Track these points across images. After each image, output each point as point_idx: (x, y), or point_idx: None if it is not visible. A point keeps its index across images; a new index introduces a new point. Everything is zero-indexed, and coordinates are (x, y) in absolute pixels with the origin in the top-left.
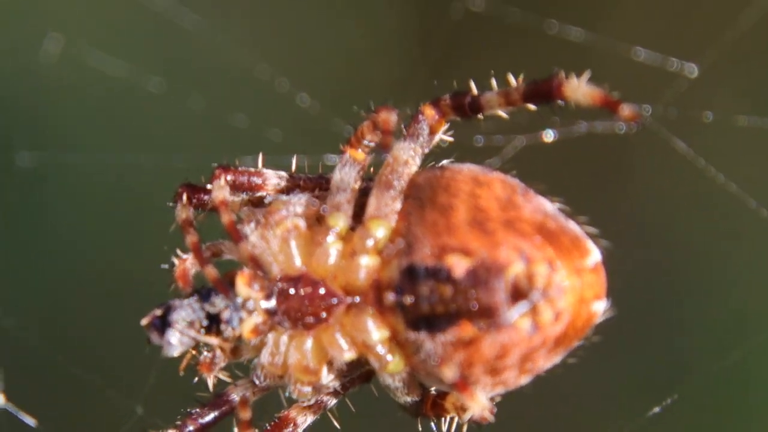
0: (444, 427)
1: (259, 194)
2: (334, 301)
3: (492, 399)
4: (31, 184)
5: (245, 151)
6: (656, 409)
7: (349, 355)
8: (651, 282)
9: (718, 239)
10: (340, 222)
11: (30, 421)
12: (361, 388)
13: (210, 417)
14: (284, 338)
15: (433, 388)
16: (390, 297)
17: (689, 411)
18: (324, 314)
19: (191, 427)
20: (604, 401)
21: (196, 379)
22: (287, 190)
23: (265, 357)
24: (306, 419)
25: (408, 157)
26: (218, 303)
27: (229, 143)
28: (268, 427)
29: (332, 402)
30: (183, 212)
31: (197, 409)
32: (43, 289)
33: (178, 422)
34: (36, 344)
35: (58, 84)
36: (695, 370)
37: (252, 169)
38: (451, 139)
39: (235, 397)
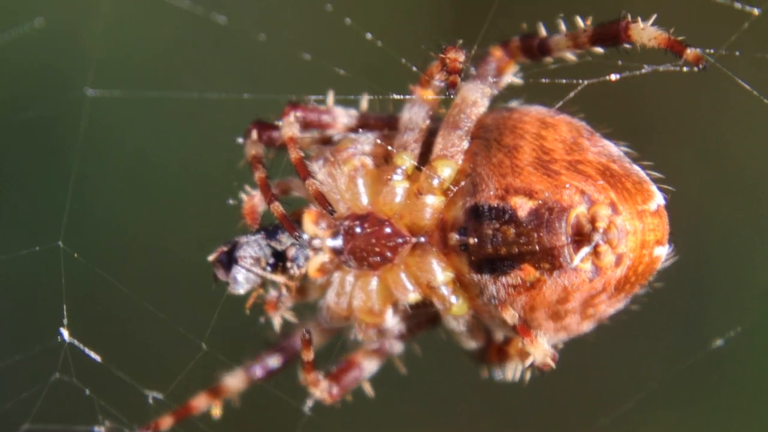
0: (510, 374)
1: (328, 132)
2: (400, 240)
3: (555, 346)
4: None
5: (315, 90)
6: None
7: (413, 296)
8: (717, 226)
9: None
10: (407, 161)
11: (95, 357)
12: (427, 332)
13: (276, 360)
14: (350, 278)
15: (498, 335)
16: (454, 237)
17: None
18: (389, 254)
19: (259, 371)
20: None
21: (262, 318)
22: (356, 129)
23: (330, 297)
24: (371, 364)
25: (476, 97)
26: (285, 240)
27: (298, 81)
28: (334, 370)
29: (398, 347)
30: (252, 148)
31: (263, 351)
32: (108, 219)
33: (247, 363)
34: (98, 277)
35: (120, 20)
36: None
37: (322, 107)
38: (519, 80)
39: (300, 337)
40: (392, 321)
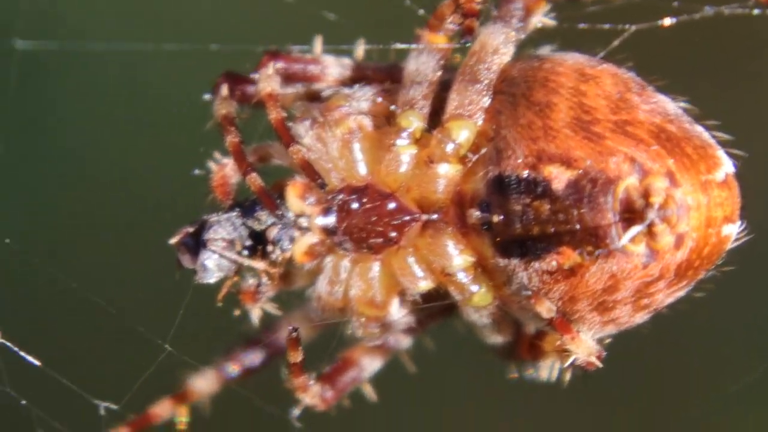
0: (545, 374)
1: (316, 86)
2: (407, 217)
3: (600, 341)
4: (34, 76)
5: (299, 36)
6: None
7: (424, 284)
8: None
9: None
10: (414, 121)
11: (33, 361)
12: (441, 325)
13: (255, 357)
14: (345, 263)
15: (530, 328)
16: (474, 214)
17: None
18: (394, 234)
19: (233, 369)
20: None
21: (238, 311)
22: (350, 82)
23: (322, 286)
24: (373, 362)
25: (498, 43)
26: (264, 218)
27: (278, 27)
28: (328, 370)
29: (405, 342)
30: (223, 107)
31: (239, 347)
32: (47, 204)
33: (217, 362)
34: (41, 270)
35: None
36: None
37: (308, 56)
38: (552, 22)
39: (285, 334)
40: (398, 313)
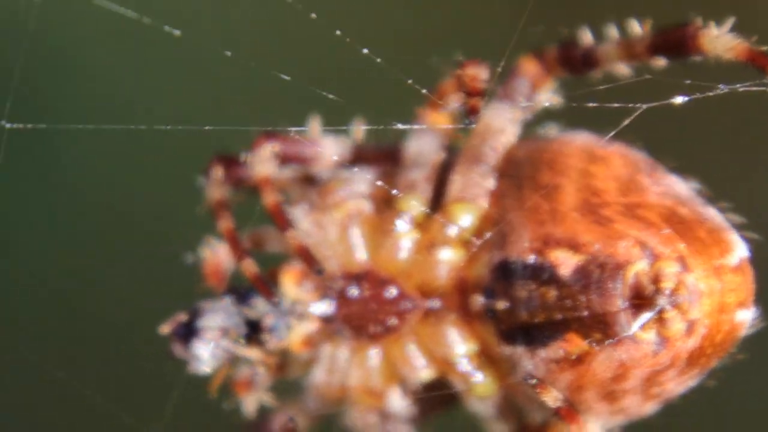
0: None
1: (312, 169)
2: (408, 305)
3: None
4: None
5: (294, 116)
6: None
7: (425, 373)
8: None
9: None
10: (415, 205)
11: None
12: (442, 415)
13: None
14: (343, 352)
15: (535, 418)
16: (478, 301)
17: None
18: (394, 322)
19: None
20: None
21: (230, 403)
22: (349, 164)
23: (318, 375)
24: None
25: (504, 123)
26: (260, 306)
27: (272, 105)
28: None
29: None
30: (216, 191)
31: None
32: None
33: None
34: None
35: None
36: None
37: (304, 137)
38: (559, 100)
39: (281, 425)
40: (398, 403)
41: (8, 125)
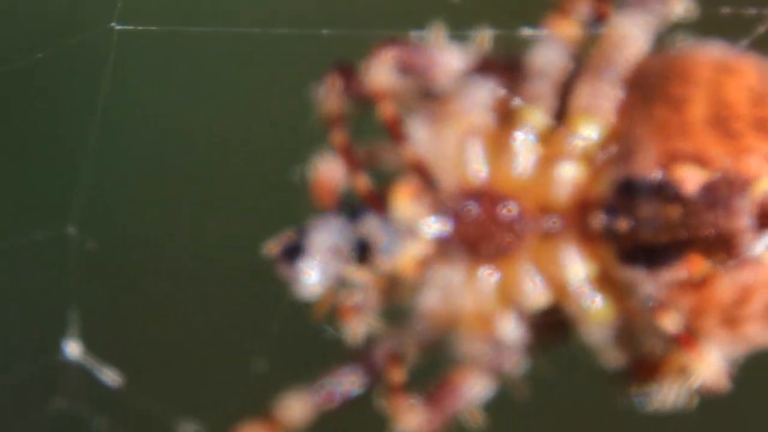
0: (666, 399)
1: (432, 78)
2: (527, 223)
3: (731, 360)
4: None
5: (414, 21)
6: None
7: (543, 297)
8: None
9: None
10: (538, 117)
11: (111, 380)
12: (556, 347)
13: (354, 381)
14: (456, 274)
15: (649, 347)
16: (600, 219)
17: None
18: (512, 241)
19: (330, 396)
20: None
21: (334, 328)
22: (471, 74)
23: (428, 299)
24: (478, 386)
25: (635, 31)
26: (372, 225)
27: (391, 7)
28: (432, 393)
29: (519, 364)
30: (333, 102)
31: (337, 370)
32: (132, 197)
33: (314, 385)
34: (118, 272)
35: None
36: None
37: (425, 44)
38: (693, 8)
39: (384, 352)
40: (512, 331)
41: (117, 27)
